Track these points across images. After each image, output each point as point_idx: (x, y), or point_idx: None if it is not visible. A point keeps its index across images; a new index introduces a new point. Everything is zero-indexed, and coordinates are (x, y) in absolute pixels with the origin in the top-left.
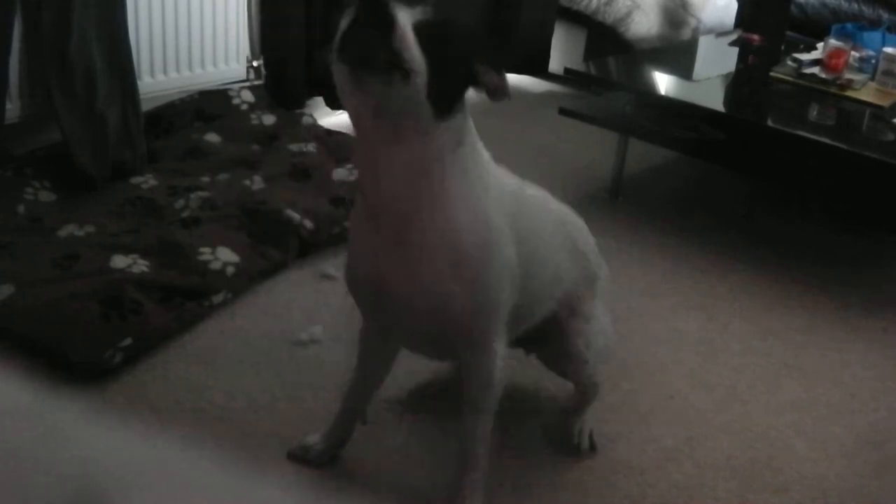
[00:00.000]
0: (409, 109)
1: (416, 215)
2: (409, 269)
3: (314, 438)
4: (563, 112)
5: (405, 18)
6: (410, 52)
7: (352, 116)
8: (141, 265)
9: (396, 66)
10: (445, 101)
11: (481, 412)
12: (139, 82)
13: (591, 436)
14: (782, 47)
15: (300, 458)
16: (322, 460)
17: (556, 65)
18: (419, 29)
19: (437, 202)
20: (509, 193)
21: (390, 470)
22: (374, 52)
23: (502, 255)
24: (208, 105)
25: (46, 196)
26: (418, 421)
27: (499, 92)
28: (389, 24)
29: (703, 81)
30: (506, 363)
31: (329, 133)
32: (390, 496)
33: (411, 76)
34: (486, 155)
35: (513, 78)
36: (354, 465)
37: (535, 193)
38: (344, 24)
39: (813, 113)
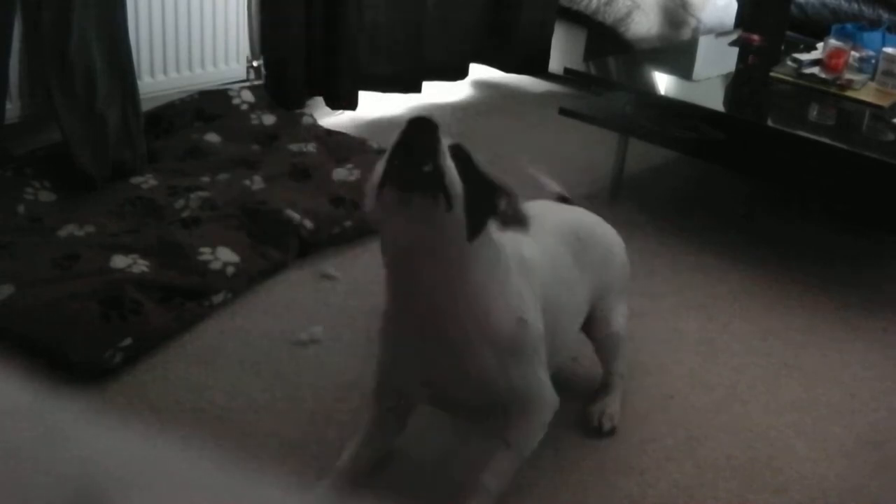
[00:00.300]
0: (449, 227)
1: (456, 316)
2: (456, 365)
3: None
4: (563, 112)
5: (445, 142)
6: (452, 173)
7: (391, 238)
8: (141, 265)
9: (440, 187)
10: (477, 219)
11: (519, 453)
12: (139, 82)
13: (611, 419)
14: (782, 47)
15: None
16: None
17: (556, 65)
18: (453, 152)
19: (471, 300)
20: (527, 261)
21: (390, 470)
22: (422, 175)
23: (532, 325)
24: (208, 105)
25: (46, 196)
26: (417, 423)
27: (516, 220)
28: (435, 147)
29: (703, 81)
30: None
31: (329, 133)
32: (390, 496)
33: (453, 196)
34: (503, 239)
35: (513, 78)
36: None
37: (549, 236)
38: (389, 152)
39: (813, 113)
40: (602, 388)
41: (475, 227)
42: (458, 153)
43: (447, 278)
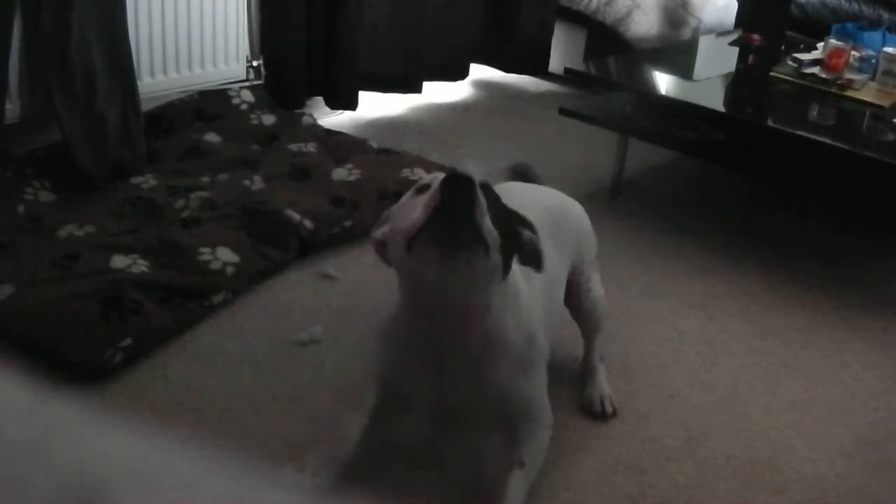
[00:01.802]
0: (483, 272)
1: (475, 338)
2: (472, 381)
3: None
4: (563, 112)
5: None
6: (488, 224)
7: (421, 286)
8: (141, 265)
9: (481, 242)
10: (508, 258)
11: (531, 471)
12: (139, 82)
13: (611, 401)
14: (782, 47)
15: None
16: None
17: (556, 65)
18: (482, 192)
19: (491, 324)
20: (525, 280)
21: (391, 470)
22: (463, 231)
23: (538, 341)
24: (208, 105)
25: (46, 196)
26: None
27: (534, 257)
28: (475, 205)
29: (703, 81)
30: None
31: (329, 133)
32: (390, 496)
33: (491, 248)
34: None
35: (513, 78)
36: (354, 465)
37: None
38: (425, 211)
39: (813, 113)
40: (589, 371)
41: (506, 266)
42: (487, 192)
43: (471, 310)
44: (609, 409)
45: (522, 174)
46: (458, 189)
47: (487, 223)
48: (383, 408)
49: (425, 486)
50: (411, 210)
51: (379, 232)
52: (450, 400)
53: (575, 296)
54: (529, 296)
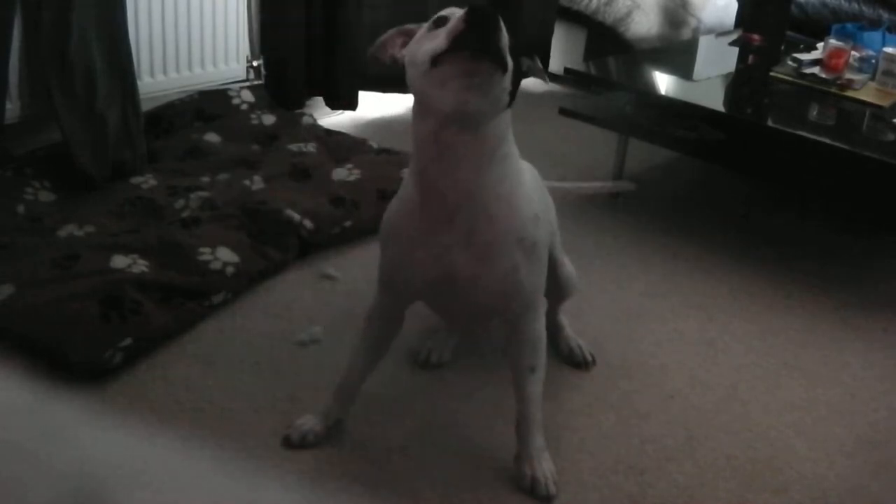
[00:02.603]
0: (500, 95)
1: (486, 204)
2: (483, 257)
3: (309, 421)
4: (563, 112)
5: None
6: (506, 48)
7: (445, 105)
8: (141, 265)
9: (502, 59)
10: (514, 89)
11: (538, 370)
12: (139, 82)
13: (588, 349)
14: (782, 47)
15: (298, 443)
16: (319, 442)
17: (556, 65)
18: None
19: (500, 188)
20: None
21: (390, 470)
22: (489, 46)
23: (545, 220)
24: (208, 105)
25: (46, 196)
26: (418, 421)
27: (540, 76)
28: (497, 27)
29: (703, 81)
30: None
31: (329, 133)
32: (390, 496)
33: (508, 68)
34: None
35: None
36: (354, 465)
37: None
38: (449, 35)
39: (813, 113)
40: (556, 329)
41: (514, 91)
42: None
43: (483, 159)
44: (588, 357)
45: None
46: (481, 17)
47: (505, 47)
48: (388, 307)
49: (425, 485)
50: (432, 39)
51: (397, 48)
52: (459, 282)
53: (550, 269)
54: (530, 184)
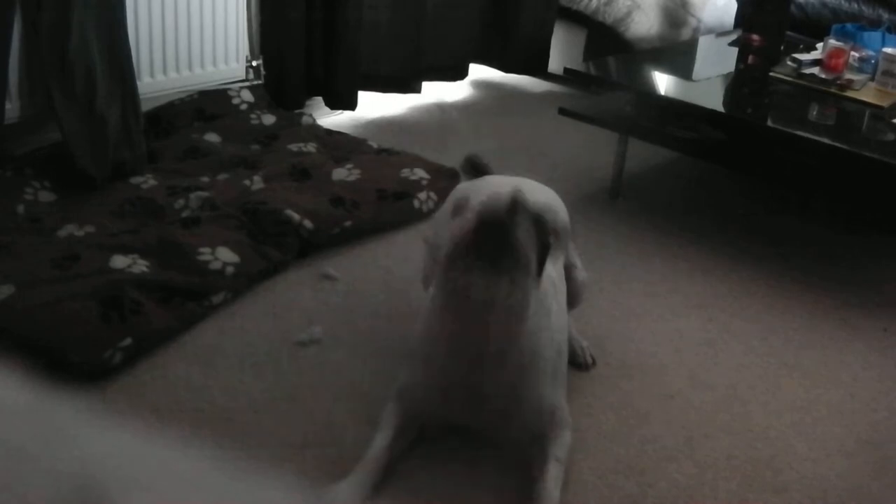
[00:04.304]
0: (523, 283)
1: (514, 355)
2: (509, 401)
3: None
4: (563, 112)
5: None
6: (527, 251)
7: (465, 303)
8: (141, 265)
9: (525, 258)
10: (541, 264)
11: (562, 463)
12: (139, 82)
13: (589, 352)
14: (782, 47)
15: None
16: None
17: (556, 65)
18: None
19: (528, 339)
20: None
21: (389, 471)
22: (505, 258)
23: (565, 354)
24: (208, 105)
25: (46, 196)
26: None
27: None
28: (509, 235)
29: (703, 81)
30: None
31: (329, 133)
32: (390, 496)
33: (529, 267)
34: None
35: (513, 78)
36: (354, 465)
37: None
38: (461, 240)
39: (813, 113)
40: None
41: (539, 272)
42: (520, 209)
43: (510, 324)
44: (589, 360)
45: (474, 166)
46: (492, 230)
47: (523, 244)
48: (406, 426)
49: (424, 486)
50: (449, 230)
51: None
52: (483, 420)
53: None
54: (558, 308)
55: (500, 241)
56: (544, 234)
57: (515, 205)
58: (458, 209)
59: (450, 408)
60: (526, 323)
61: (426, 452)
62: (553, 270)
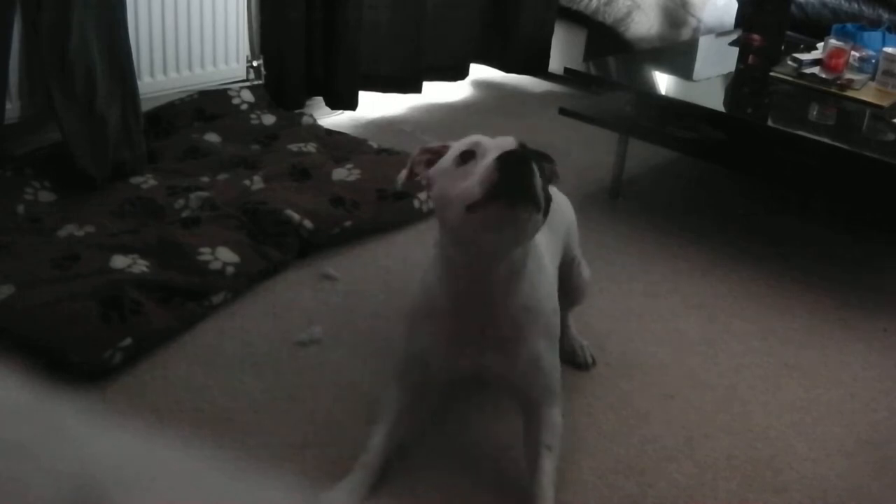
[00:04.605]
0: (535, 230)
1: (515, 313)
2: (511, 354)
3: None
4: (563, 112)
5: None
6: (541, 188)
7: (483, 248)
8: (141, 265)
9: (538, 205)
10: (546, 208)
11: (554, 449)
12: (139, 82)
13: (589, 351)
14: (782, 47)
15: None
16: None
17: (556, 65)
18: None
19: (527, 296)
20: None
21: (390, 470)
22: (524, 199)
23: (558, 314)
24: (208, 105)
25: (46, 196)
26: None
27: (555, 180)
28: (532, 176)
29: (703, 81)
30: None
31: (329, 133)
32: (390, 496)
33: (546, 203)
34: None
35: (513, 78)
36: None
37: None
38: (483, 185)
39: (813, 113)
40: (564, 328)
41: (545, 216)
42: (535, 158)
43: (513, 273)
44: (589, 360)
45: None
46: (515, 165)
47: (540, 187)
48: (406, 411)
49: (424, 486)
50: (461, 178)
51: (422, 167)
52: (484, 373)
53: (566, 275)
54: (550, 274)
55: (521, 182)
56: (548, 178)
57: (526, 147)
58: (467, 157)
59: (455, 361)
60: (526, 270)
61: (425, 451)
62: (543, 237)
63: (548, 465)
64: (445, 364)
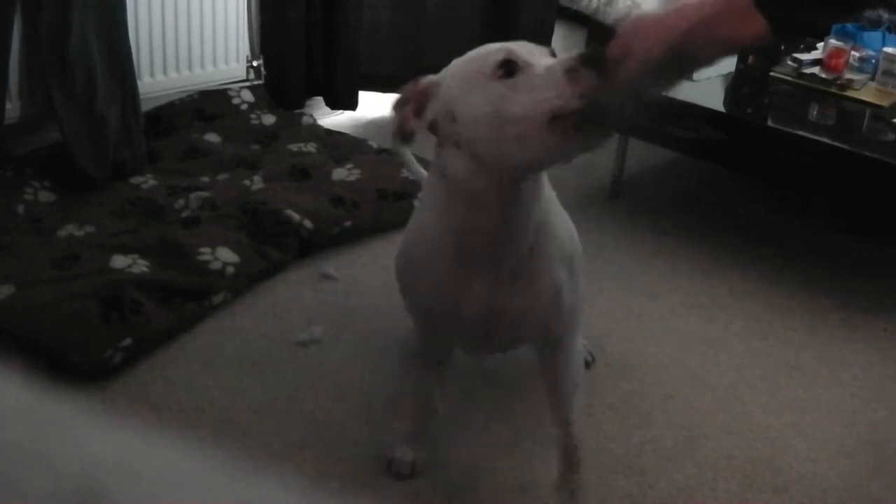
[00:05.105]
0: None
1: (533, 239)
2: (529, 286)
3: (407, 452)
4: None
5: None
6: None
7: (537, 165)
8: (141, 265)
9: (623, 121)
10: None
11: (580, 387)
12: (139, 82)
13: (588, 350)
14: (782, 47)
15: (406, 475)
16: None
17: None
18: None
19: (544, 219)
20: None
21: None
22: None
23: (577, 240)
24: (208, 105)
25: (46, 196)
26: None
27: None
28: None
29: (703, 81)
30: None
31: (329, 133)
32: (390, 496)
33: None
34: None
35: None
36: (354, 465)
37: None
38: (573, 93)
39: (813, 113)
40: None
41: None
42: None
43: (535, 200)
44: (589, 359)
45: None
46: (599, 63)
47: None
48: (434, 350)
49: (424, 485)
50: (518, 90)
51: (412, 119)
52: (507, 315)
53: None
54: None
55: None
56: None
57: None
58: (509, 67)
59: (469, 305)
60: (540, 196)
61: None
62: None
63: (576, 405)
64: (461, 313)
